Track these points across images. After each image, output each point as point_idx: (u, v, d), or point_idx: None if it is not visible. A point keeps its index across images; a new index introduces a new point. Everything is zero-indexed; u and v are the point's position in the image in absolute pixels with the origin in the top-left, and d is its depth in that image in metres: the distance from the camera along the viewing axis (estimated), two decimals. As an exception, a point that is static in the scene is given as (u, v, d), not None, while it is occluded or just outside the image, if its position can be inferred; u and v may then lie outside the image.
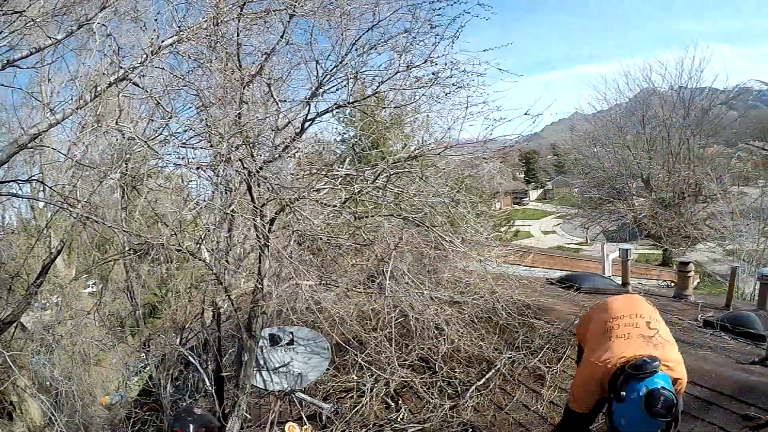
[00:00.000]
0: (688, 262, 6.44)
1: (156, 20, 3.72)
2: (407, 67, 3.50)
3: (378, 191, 4.02)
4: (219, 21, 3.45)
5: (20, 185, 4.70)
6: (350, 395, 4.30)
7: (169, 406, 4.74)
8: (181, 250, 3.65)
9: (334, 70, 3.54)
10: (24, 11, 3.63)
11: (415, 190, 4.03)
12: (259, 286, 3.74)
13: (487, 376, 4.01)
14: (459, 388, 4.01)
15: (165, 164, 4.96)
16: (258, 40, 3.81)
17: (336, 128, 13.94)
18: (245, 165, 3.43)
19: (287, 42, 3.63)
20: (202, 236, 4.33)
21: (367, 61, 3.68)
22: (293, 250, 4.12)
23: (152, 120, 4.27)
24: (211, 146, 3.66)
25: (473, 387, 3.93)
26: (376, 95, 3.72)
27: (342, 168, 4.16)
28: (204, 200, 4.35)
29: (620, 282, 6.97)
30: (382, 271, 4.43)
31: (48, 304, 10.61)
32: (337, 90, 3.77)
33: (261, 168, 3.42)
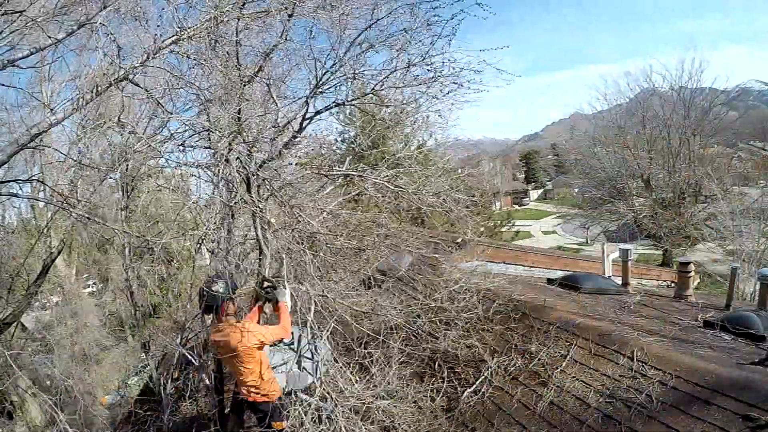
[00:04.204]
0: (689, 263, 6.41)
1: (156, 20, 3.73)
2: (407, 65, 3.51)
3: (378, 191, 4.02)
4: (219, 21, 3.45)
5: (20, 185, 4.71)
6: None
7: (169, 405, 4.74)
8: (180, 250, 3.65)
9: (333, 68, 3.55)
10: (24, 11, 3.64)
11: (414, 190, 4.04)
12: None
13: (486, 376, 4.01)
14: (459, 389, 4.01)
15: (165, 164, 4.97)
16: (257, 40, 3.82)
17: (336, 128, 13.96)
18: (244, 165, 3.44)
19: (286, 41, 3.63)
20: (202, 236, 4.34)
21: (366, 60, 3.70)
22: (293, 250, 4.12)
23: (152, 120, 4.28)
24: (209, 147, 3.67)
25: (473, 387, 3.93)
26: (376, 94, 3.73)
27: (342, 168, 4.16)
28: (204, 200, 4.35)
29: (620, 282, 6.95)
30: (382, 271, 4.42)
31: (48, 304, 10.62)
32: (336, 89, 3.78)
33: (260, 167, 3.43)
